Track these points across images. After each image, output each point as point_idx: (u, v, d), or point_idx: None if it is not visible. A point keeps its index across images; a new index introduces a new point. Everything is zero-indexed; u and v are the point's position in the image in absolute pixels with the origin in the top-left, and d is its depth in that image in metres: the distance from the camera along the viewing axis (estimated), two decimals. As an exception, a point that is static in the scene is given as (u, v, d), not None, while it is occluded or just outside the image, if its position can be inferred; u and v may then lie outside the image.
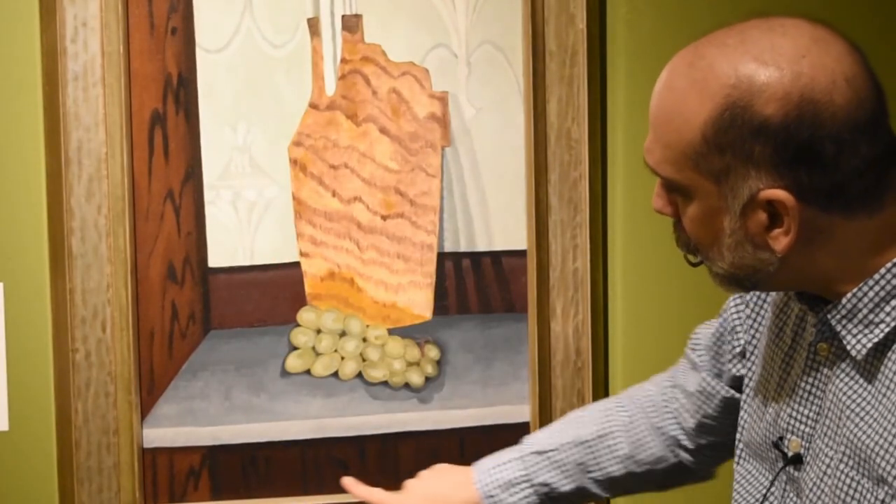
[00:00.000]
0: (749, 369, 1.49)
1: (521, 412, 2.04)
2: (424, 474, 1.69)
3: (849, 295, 1.28)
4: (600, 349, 2.06)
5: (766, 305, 1.48)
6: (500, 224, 2.03)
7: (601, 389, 2.06)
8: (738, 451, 1.50)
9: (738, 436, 1.50)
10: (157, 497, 1.99)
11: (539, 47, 2.00)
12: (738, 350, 1.54)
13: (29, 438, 1.97)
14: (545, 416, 2.03)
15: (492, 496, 1.62)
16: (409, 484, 1.68)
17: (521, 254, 2.03)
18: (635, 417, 1.66)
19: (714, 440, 1.63)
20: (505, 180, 2.03)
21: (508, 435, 2.05)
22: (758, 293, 1.49)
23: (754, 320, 1.49)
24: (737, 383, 1.58)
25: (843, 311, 1.28)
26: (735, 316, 1.54)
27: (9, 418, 1.97)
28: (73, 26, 1.90)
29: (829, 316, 1.30)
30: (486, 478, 1.63)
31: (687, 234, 1.32)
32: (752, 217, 1.25)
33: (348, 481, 1.69)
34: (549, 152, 2.01)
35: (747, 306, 1.51)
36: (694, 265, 1.35)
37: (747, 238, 1.26)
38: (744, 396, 1.50)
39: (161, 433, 1.98)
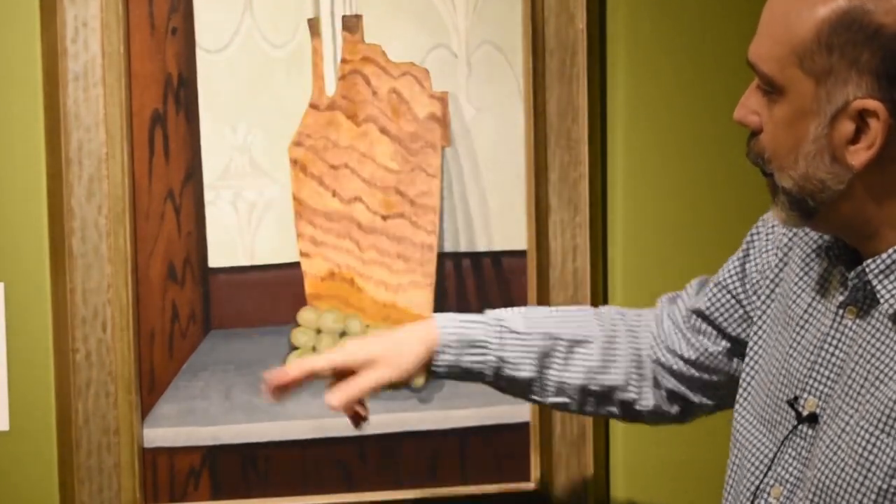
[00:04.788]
0: (760, 321, 1.51)
1: (521, 412, 2.04)
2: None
3: (889, 251, 1.32)
4: (600, 349, 2.06)
5: (785, 270, 1.49)
6: (500, 224, 2.03)
7: (601, 389, 2.06)
8: (738, 410, 1.51)
9: (739, 393, 1.51)
10: (158, 497, 1.99)
11: (539, 47, 2.00)
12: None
13: (29, 438, 1.97)
14: (545, 415, 2.03)
15: (448, 346, 1.58)
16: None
17: (521, 254, 2.03)
18: (620, 337, 1.65)
19: (687, 397, 1.64)
20: (505, 180, 2.03)
21: (508, 435, 2.05)
22: (790, 247, 1.50)
23: (771, 290, 1.51)
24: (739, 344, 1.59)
25: (882, 266, 1.32)
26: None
27: (9, 418, 1.97)
28: (73, 26, 1.90)
29: (867, 269, 1.33)
30: (451, 327, 1.59)
31: (762, 144, 1.35)
32: (839, 126, 1.28)
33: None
34: (549, 152, 2.01)
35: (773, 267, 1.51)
36: (767, 175, 1.37)
37: (828, 148, 1.29)
38: (750, 353, 1.51)
39: (161, 433, 1.98)
